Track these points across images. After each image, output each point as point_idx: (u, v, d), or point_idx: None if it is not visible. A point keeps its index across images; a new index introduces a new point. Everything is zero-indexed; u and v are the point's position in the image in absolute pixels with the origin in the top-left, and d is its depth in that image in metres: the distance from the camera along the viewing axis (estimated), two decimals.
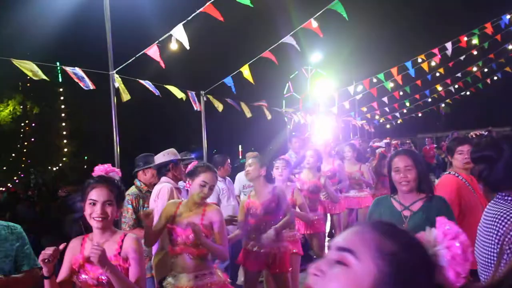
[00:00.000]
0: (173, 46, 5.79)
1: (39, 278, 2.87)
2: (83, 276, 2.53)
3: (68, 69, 5.01)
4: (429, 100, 20.36)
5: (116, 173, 2.82)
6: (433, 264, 1.04)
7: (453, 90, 19.04)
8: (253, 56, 7.36)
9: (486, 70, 17.57)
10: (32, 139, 25.19)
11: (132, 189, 4.46)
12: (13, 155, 24.50)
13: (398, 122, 23.75)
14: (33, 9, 19.84)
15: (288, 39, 6.92)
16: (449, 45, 12.08)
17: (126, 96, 5.59)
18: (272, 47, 7.00)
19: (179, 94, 6.58)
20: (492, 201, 2.13)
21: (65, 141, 25.25)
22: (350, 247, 1.03)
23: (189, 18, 5.51)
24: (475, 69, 16.92)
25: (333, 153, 7.62)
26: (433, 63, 13.82)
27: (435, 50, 12.63)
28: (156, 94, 6.12)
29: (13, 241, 2.83)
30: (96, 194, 2.53)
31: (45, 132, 24.89)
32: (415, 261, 1.02)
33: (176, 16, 5.80)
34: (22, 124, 25.26)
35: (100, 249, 2.34)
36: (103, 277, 2.47)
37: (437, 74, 16.36)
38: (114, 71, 5.55)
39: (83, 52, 21.71)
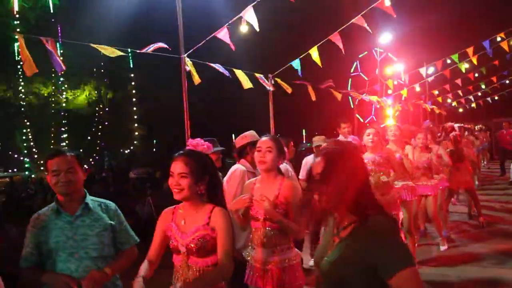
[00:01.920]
0: (243, 29, 5.80)
1: (137, 254, 3.12)
2: (174, 242, 2.66)
3: (150, 49, 5.13)
4: (507, 82, 19.18)
5: (206, 147, 2.87)
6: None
7: None
8: (322, 38, 7.22)
9: None
10: (106, 123, 26.38)
11: None
12: (89, 138, 25.79)
13: (472, 105, 22.61)
14: None
15: (359, 20, 6.71)
16: None
17: (197, 79, 5.68)
18: (341, 28, 6.82)
19: (246, 82, 6.56)
20: None
21: (136, 125, 26.26)
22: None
23: (259, 0, 5.49)
24: None
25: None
26: None
27: None
28: (227, 75, 6.16)
29: (108, 218, 3.01)
30: (173, 167, 2.64)
31: (117, 116, 25.99)
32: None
33: None
34: (97, 109, 26.46)
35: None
36: (192, 245, 2.58)
37: None
38: (185, 55, 5.64)
39: (155, 36, 22.40)
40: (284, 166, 5.77)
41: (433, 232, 7.79)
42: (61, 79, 24.05)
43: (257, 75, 7.12)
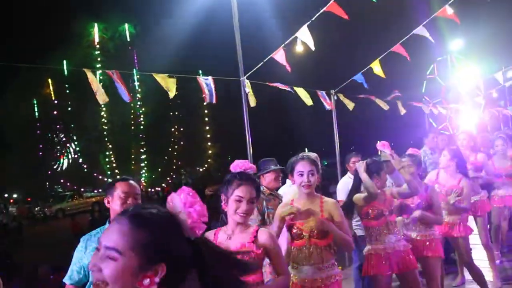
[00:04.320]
0: (299, 48, 5.87)
1: None
2: None
3: (201, 79, 5.38)
4: None
5: (252, 169, 2.95)
6: (180, 227, 1.35)
7: None
8: (383, 50, 7.11)
9: None
10: (181, 143, 27.46)
11: None
12: (166, 157, 26.96)
13: None
14: (165, 23, 21.71)
15: (421, 30, 6.55)
16: None
17: (253, 101, 5.81)
18: (403, 40, 6.68)
19: (306, 99, 6.62)
20: None
21: (209, 143, 27.09)
22: (113, 246, 1.26)
23: (313, 19, 5.54)
24: None
25: (481, 148, 6.96)
26: None
27: None
28: (289, 90, 6.25)
29: None
30: (243, 192, 2.69)
31: (191, 136, 26.98)
32: (166, 235, 1.31)
33: (300, 18, 5.86)
34: (172, 130, 27.63)
35: None
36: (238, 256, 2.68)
37: None
38: (245, 77, 5.81)
39: (213, 61, 23.30)
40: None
41: None
42: (139, 103, 25.43)
43: (319, 92, 7.14)
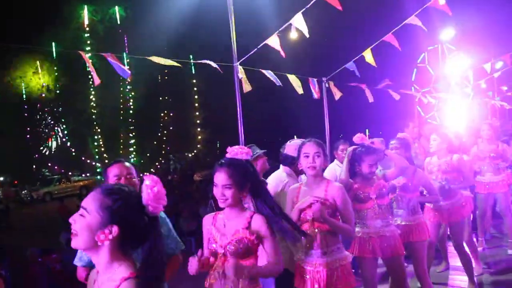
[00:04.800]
0: (293, 35, 5.90)
1: (182, 260, 3.24)
2: (213, 244, 2.83)
3: (202, 61, 5.38)
4: None
5: (245, 153, 2.96)
6: (140, 203, 1.74)
7: None
8: (375, 39, 7.15)
9: None
10: (171, 128, 27.40)
11: None
12: (155, 142, 26.91)
13: None
14: (162, 8, 21.53)
15: (413, 20, 6.58)
16: None
17: (247, 87, 5.84)
18: (395, 29, 6.73)
19: (298, 86, 6.65)
20: None
21: (198, 129, 27.03)
22: (85, 206, 1.73)
23: (307, 6, 5.55)
24: None
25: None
26: None
27: None
28: (277, 84, 6.27)
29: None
30: (216, 178, 2.79)
31: (181, 121, 26.91)
32: (125, 204, 1.72)
33: (295, 5, 5.86)
34: (162, 115, 27.52)
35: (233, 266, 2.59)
36: (230, 246, 2.73)
37: None
38: (238, 63, 5.82)
39: (208, 45, 23.23)
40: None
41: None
42: (129, 87, 25.25)
43: (310, 79, 7.17)
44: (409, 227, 4.57)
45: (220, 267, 2.76)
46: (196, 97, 26.40)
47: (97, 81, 4.26)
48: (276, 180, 4.21)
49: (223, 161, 2.86)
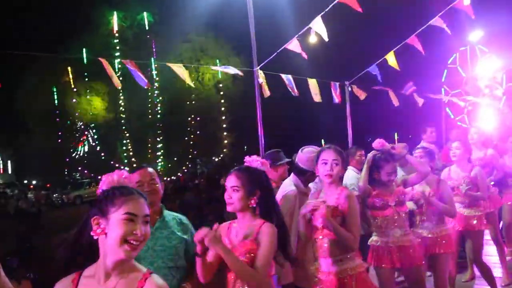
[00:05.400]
0: (312, 39, 5.87)
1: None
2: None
3: (222, 68, 5.42)
4: None
5: (261, 163, 2.92)
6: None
7: None
8: (398, 42, 7.05)
9: None
10: (198, 132, 27.61)
11: None
12: (182, 147, 27.17)
13: None
14: (179, 12, 21.79)
15: (437, 21, 6.46)
16: None
17: (266, 92, 5.84)
18: (418, 31, 6.61)
19: (315, 94, 6.60)
20: None
21: (225, 133, 27.14)
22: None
23: (326, 10, 5.51)
24: None
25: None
26: None
27: None
28: (294, 93, 6.24)
29: (181, 231, 3.14)
30: (227, 181, 2.80)
31: (208, 125, 27.07)
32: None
33: (315, 9, 5.83)
34: (189, 119, 27.75)
35: (212, 233, 2.55)
36: (241, 258, 2.63)
37: None
38: (258, 68, 5.83)
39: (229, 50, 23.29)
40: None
41: None
42: (156, 91, 25.59)
43: (332, 83, 7.12)
44: (435, 239, 4.41)
45: (233, 283, 2.72)
46: (222, 101, 26.54)
47: (116, 84, 4.33)
48: (282, 188, 4.14)
49: (237, 167, 2.87)
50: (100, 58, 4.41)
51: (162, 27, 24.53)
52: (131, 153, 25.81)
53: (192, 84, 5.12)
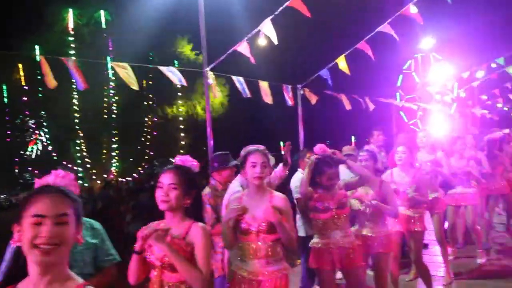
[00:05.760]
0: (262, 42, 5.88)
1: (116, 274, 3.14)
2: (151, 256, 2.72)
3: (164, 68, 5.34)
4: None
5: (194, 165, 2.92)
6: None
7: None
8: (350, 47, 7.17)
9: None
10: (154, 133, 27.21)
11: (208, 189, 4.52)
12: (139, 147, 26.69)
13: None
14: (126, 11, 21.48)
15: (386, 28, 6.61)
16: None
17: (218, 93, 5.80)
18: (367, 37, 6.75)
19: (266, 95, 6.61)
20: None
21: (182, 134, 26.83)
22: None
23: (276, 13, 5.54)
24: None
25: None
26: None
27: None
28: (244, 95, 6.23)
29: (90, 236, 3.04)
30: (162, 178, 2.73)
31: (164, 126, 26.71)
32: None
33: (265, 12, 5.85)
34: (146, 119, 27.33)
35: (156, 231, 2.55)
36: (166, 259, 2.62)
37: None
38: (208, 68, 5.78)
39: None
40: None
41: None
42: (112, 91, 25.06)
43: (284, 86, 7.16)
44: (375, 239, 4.53)
45: (158, 281, 2.68)
46: (179, 102, 26.23)
47: (49, 84, 4.17)
48: (229, 190, 4.12)
49: (171, 165, 2.82)
50: (39, 55, 4.25)
51: (118, 26, 24.00)
52: (84, 153, 25.12)
53: (136, 86, 4.98)
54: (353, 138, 22.82)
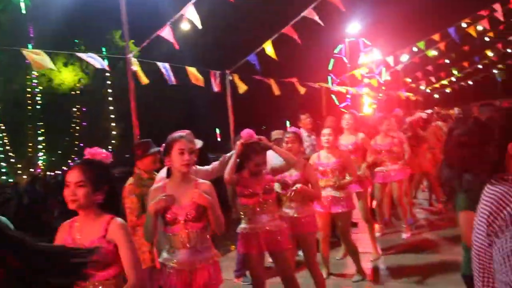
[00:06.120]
0: (185, 26, 5.75)
1: None
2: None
3: (83, 55, 5.09)
4: (480, 66, 19.33)
5: (105, 156, 2.79)
6: None
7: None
8: (276, 31, 7.18)
9: None
10: (84, 123, 26.14)
11: (133, 178, 4.39)
12: (66, 139, 25.59)
13: (447, 91, 22.78)
14: None
15: (310, 13, 6.67)
16: (497, 6, 11.24)
17: (144, 79, 5.62)
18: (292, 22, 6.79)
19: (196, 79, 6.50)
20: None
21: (113, 124, 25.96)
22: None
23: None
24: None
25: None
26: (480, 28, 12.95)
27: (482, 12, 11.78)
28: (170, 81, 6.07)
29: None
30: (68, 176, 2.56)
31: (94, 116, 25.71)
32: None
33: None
34: (74, 109, 26.21)
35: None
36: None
37: (487, 39, 15.42)
38: (131, 55, 5.58)
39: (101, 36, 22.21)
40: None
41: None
42: (35, 81, 23.78)
43: (212, 72, 7.07)
44: (300, 219, 4.61)
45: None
46: (109, 90, 25.29)
47: None
48: (157, 178, 4.01)
49: (78, 160, 2.67)
50: None
51: (39, 12, 22.68)
52: (8, 147, 23.72)
53: (53, 67, 4.69)
54: (288, 122, 23.15)
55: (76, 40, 23.36)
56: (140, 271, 2.62)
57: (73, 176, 2.55)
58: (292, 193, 4.47)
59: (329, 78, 18.28)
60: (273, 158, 4.52)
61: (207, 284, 3.20)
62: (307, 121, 7.00)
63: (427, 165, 8.49)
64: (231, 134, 7.60)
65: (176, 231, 3.23)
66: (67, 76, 23.80)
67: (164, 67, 6.00)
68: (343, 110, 18.49)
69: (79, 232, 2.62)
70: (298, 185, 4.46)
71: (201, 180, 3.35)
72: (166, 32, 5.54)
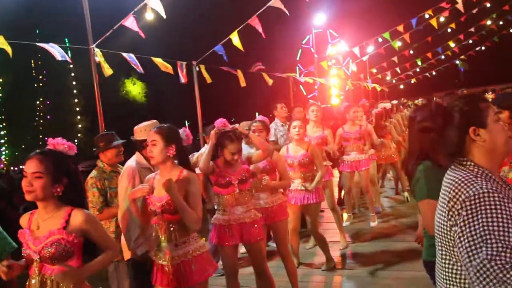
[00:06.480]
0: (149, 16, 5.64)
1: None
2: (27, 250, 2.54)
3: (44, 45, 4.92)
4: (443, 57, 19.80)
5: (67, 147, 2.69)
6: None
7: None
8: (242, 22, 7.13)
9: (501, 23, 16.84)
10: (48, 117, 25.52)
11: (95, 171, 4.30)
12: (30, 132, 24.97)
13: (412, 81, 23.24)
14: None
15: (276, 3, 6.64)
16: None
17: (108, 71, 5.48)
18: (259, 12, 6.75)
19: (163, 66, 6.41)
20: None
21: (78, 117, 25.43)
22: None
23: None
24: (489, 22, 16.24)
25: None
26: (442, 19, 13.25)
27: (443, 4, 12.06)
28: (139, 70, 5.95)
29: None
30: (26, 166, 2.48)
31: (59, 109, 25.12)
32: None
33: None
34: (38, 102, 25.55)
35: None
36: (45, 251, 2.47)
37: (449, 30, 15.80)
38: (94, 45, 5.44)
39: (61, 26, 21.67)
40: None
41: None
42: None
43: (179, 62, 6.97)
44: (270, 209, 4.61)
45: (38, 276, 2.50)
46: (74, 83, 24.73)
47: None
48: (123, 172, 3.90)
49: (37, 150, 2.56)
50: None
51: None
52: None
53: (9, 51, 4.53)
54: (257, 114, 23.18)
55: (37, 31, 22.79)
56: (116, 246, 2.80)
57: (31, 167, 2.46)
58: (262, 182, 4.47)
59: (297, 68, 18.34)
60: (244, 148, 4.50)
61: (188, 278, 3.17)
62: (283, 111, 6.98)
63: (391, 155, 8.63)
64: (199, 126, 7.54)
65: (156, 223, 3.20)
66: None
67: (129, 56, 5.88)
68: (310, 100, 18.67)
69: (38, 223, 2.57)
70: (266, 178, 4.45)
71: (185, 171, 3.25)
72: (129, 22, 5.43)
